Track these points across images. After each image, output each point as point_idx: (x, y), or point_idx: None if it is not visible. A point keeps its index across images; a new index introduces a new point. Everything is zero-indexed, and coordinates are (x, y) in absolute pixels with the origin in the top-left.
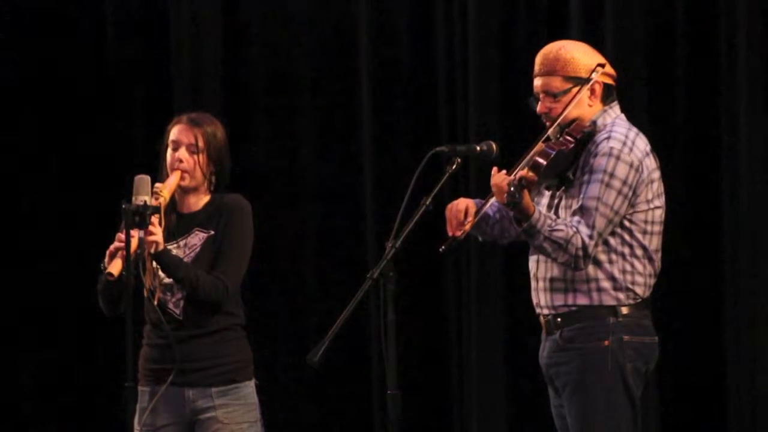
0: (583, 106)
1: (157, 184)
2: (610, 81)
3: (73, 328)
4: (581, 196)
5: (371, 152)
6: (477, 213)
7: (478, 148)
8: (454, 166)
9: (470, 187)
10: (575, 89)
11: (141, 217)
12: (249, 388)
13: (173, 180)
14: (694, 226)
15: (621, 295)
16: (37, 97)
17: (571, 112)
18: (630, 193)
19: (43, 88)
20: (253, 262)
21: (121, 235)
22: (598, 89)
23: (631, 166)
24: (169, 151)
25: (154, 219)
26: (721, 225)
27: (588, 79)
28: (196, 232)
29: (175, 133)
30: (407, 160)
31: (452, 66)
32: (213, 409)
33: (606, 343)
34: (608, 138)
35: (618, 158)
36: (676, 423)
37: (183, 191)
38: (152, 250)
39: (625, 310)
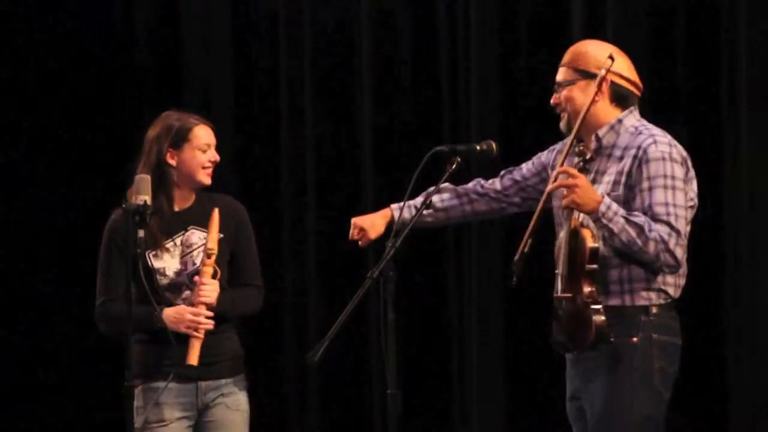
0: (587, 97)
1: (210, 245)
2: (628, 86)
3: (74, 327)
4: (646, 204)
5: (371, 152)
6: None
7: (478, 148)
8: (454, 166)
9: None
10: (582, 82)
11: (141, 217)
12: (245, 378)
13: (215, 228)
14: (694, 225)
15: (653, 295)
16: (41, 95)
17: (577, 99)
18: (686, 188)
19: (46, 86)
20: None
21: (195, 319)
22: (605, 87)
23: (682, 164)
24: (197, 153)
25: (208, 274)
26: (721, 224)
27: (595, 75)
28: (192, 230)
29: (205, 136)
30: (407, 159)
31: (454, 65)
32: (222, 397)
33: (634, 339)
34: (654, 142)
35: (671, 160)
36: (676, 423)
37: (177, 188)
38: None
39: (655, 309)
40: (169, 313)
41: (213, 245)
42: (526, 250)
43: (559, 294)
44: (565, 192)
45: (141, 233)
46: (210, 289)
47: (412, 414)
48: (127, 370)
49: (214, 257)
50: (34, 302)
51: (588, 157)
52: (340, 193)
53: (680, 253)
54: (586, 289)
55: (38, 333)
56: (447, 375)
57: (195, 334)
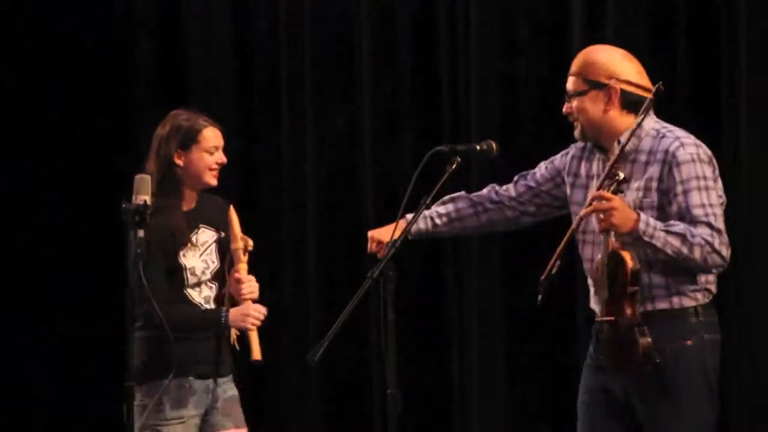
0: (597, 109)
1: (250, 242)
2: (638, 91)
3: (74, 327)
4: (683, 207)
5: (372, 151)
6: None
7: (478, 148)
8: (454, 166)
9: (471, 188)
10: (592, 92)
11: (141, 217)
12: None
13: (237, 225)
14: None
15: (699, 296)
16: (41, 95)
17: (589, 109)
18: (715, 186)
19: (46, 86)
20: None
21: (259, 315)
22: (615, 96)
23: (710, 163)
24: (204, 155)
25: (245, 270)
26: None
27: (605, 85)
28: (203, 228)
29: (213, 138)
30: (408, 159)
31: (454, 65)
32: (225, 392)
33: (688, 342)
34: (682, 145)
35: (700, 161)
36: None
37: (187, 188)
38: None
39: (701, 309)
40: (235, 312)
41: (250, 241)
42: (554, 272)
43: (600, 318)
44: (601, 216)
45: (141, 233)
46: (254, 285)
47: (412, 414)
48: (127, 369)
49: (248, 254)
50: (34, 302)
51: (621, 178)
52: (340, 194)
53: (725, 251)
54: (628, 311)
55: (38, 333)
56: (447, 375)
57: (252, 328)
